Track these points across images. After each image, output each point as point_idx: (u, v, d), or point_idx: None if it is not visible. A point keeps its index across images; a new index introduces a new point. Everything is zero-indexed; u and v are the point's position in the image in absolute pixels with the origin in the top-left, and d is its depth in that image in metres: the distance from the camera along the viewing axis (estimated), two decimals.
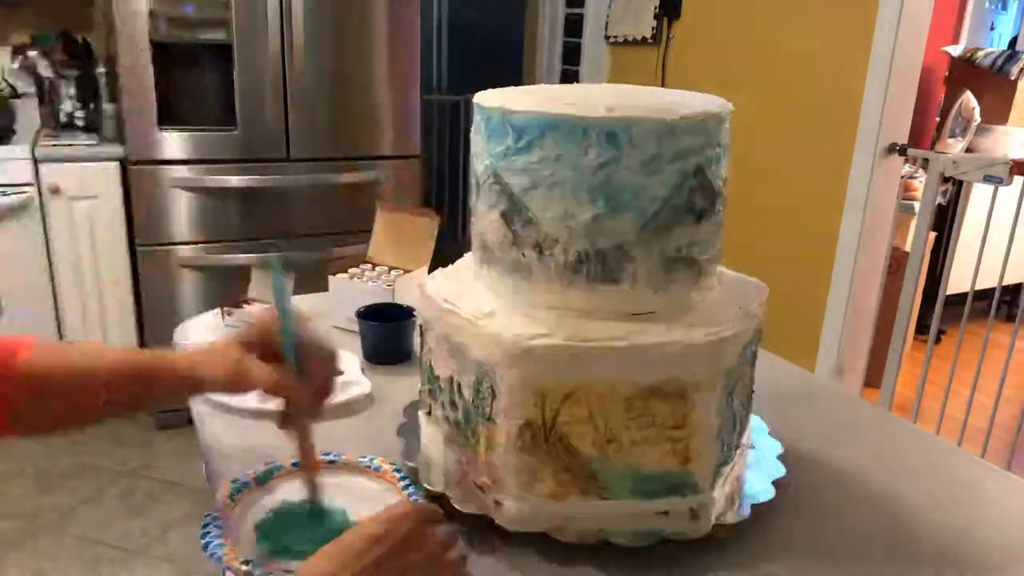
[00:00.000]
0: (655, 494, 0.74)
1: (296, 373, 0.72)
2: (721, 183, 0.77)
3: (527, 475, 0.73)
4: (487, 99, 0.77)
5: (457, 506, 0.77)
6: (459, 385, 0.77)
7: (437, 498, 0.79)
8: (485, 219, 0.78)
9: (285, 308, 0.72)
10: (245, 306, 1.28)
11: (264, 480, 0.80)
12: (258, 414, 0.98)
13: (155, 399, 0.89)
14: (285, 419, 0.75)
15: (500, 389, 0.72)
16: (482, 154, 0.77)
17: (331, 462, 0.83)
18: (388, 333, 1.15)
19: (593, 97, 0.76)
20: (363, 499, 0.78)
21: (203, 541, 0.69)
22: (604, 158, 0.71)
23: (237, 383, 0.72)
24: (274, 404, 0.74)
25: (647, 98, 0.79)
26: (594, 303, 0.75)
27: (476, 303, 0.76)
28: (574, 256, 0.73)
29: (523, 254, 0.75)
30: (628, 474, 0.73)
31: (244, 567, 0.65)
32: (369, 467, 0.83)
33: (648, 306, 0.75)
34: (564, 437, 0.72)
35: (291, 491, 0.79)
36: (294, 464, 0.81)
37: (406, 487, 0.79)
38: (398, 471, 0.82)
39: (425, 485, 0.81)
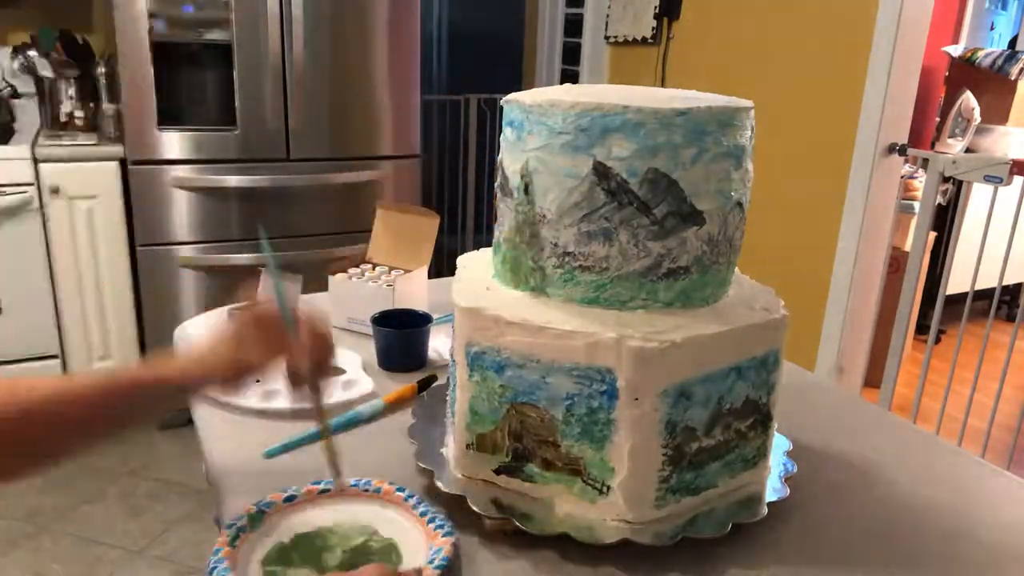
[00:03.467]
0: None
1: (294, 337, 0.76)
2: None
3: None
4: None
5: (476, 508, 0.77)
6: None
7: (454, 498, 0.79)
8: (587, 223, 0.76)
9: (283, 297, 0.76)
10: None
11: (257, 520, 0.77)
12: (259, 414, 0.98)
13: (142, 412, 0.78)
14: (295, 378, 0.77)
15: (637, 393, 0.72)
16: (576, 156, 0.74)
17: (324, 491, 0.82)
18: (403, 340, 1.12)
19: (643, 96, 0.77)
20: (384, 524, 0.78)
21: None
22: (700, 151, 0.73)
23: (236, 371, 0.74)
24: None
25: (680, 96, 0.80)
26: (663, 298, 0.77)
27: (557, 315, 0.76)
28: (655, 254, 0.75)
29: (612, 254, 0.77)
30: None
31: None
32: (368, 490, 0.81)
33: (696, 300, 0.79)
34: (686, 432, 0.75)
35: (291, 525, 0.78)
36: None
37: (424, 513, 0.77)
38: (401, 489, 0.81)
39: (440, 486, 0.79)
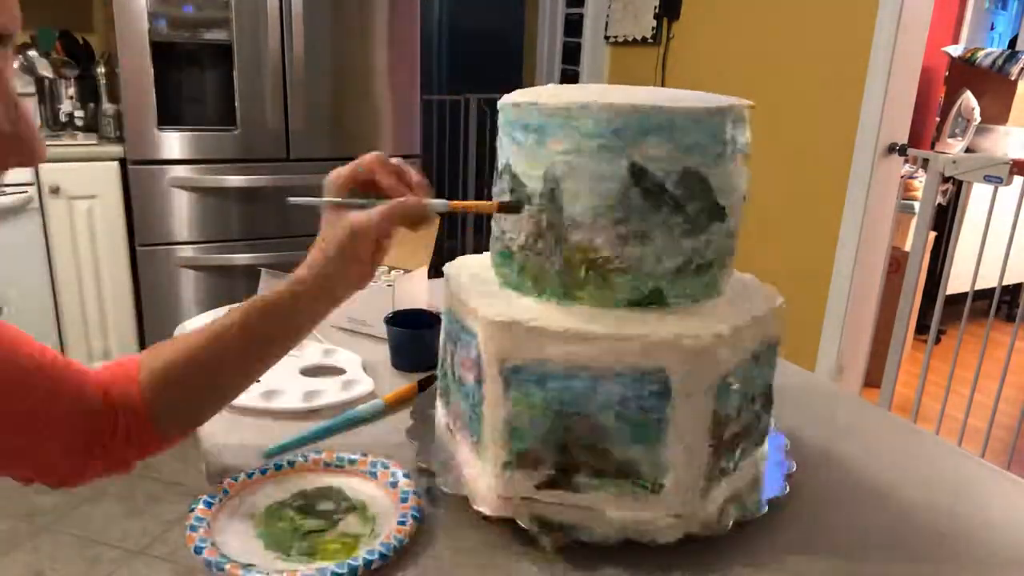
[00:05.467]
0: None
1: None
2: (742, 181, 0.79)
3: None
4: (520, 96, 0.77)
5: (483, 510, 0.77)
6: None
7: (463, 500, 0.78)
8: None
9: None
10: None
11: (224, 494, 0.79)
12: (259, 413, 0.98)
13: (298, 325, 0.79)
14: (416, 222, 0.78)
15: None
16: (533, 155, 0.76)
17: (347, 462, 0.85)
18: (418, 340, 1.13)
19: (618, 94, 0.76)
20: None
21: (194, 545, 0.69)
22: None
23: (352, 241, 0.75)
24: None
25: (666, 95, 0.79)
26: (690, 294, 0.77)
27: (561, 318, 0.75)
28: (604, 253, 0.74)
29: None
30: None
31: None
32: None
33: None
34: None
35: (281, 489, 0.80)
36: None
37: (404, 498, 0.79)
38: (384, 465, 0.84)
39: (444, 489, 0.79)
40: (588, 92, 0.78)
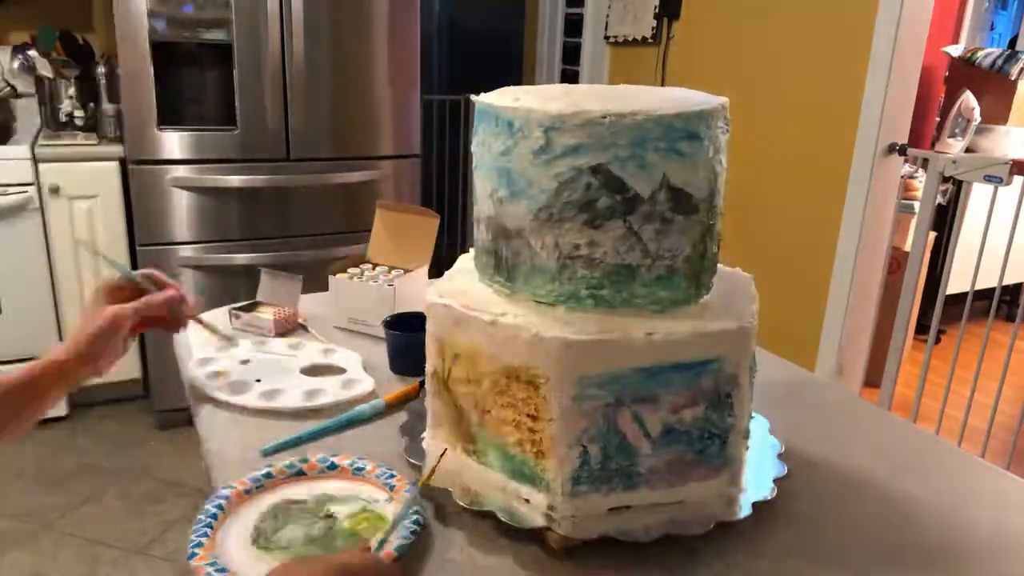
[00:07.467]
0: (518, 477, 0.76)
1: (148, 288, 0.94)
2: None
3: (433, 419, 0.84)
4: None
5: (460, 501, 0.78)
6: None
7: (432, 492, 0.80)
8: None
9: (122, 268, 0.95)
10: (255, 310, 1.28)
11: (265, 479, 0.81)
12: (259, 413, 0.98)
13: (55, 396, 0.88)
14: (172, 322, 0.98)
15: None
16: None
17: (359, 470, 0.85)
18: (412, 343, 1.08)
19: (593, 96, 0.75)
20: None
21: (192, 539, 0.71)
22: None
23: (102, 335, 0.87)
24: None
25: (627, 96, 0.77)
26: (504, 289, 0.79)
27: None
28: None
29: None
30: (496, 447, 0.77)
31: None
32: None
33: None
34: (453, 393, 0.80)
35: (295, 492, 0.81)
36: None
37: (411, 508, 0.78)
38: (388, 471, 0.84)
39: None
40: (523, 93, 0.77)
